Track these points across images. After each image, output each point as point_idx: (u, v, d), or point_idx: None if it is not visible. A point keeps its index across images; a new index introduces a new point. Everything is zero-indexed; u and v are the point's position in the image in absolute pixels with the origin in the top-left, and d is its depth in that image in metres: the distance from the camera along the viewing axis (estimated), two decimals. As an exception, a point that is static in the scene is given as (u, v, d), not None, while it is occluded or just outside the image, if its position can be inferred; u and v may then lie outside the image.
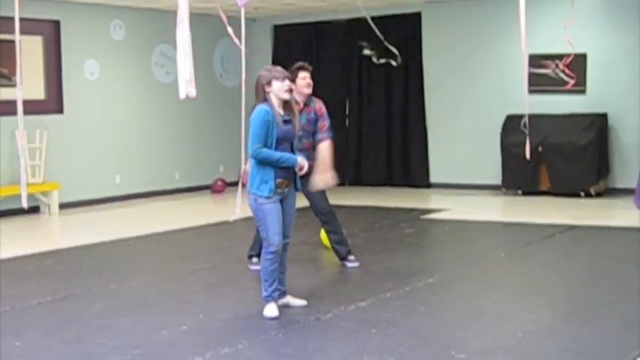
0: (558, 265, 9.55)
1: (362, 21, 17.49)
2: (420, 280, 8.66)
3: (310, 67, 9.27)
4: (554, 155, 14.99)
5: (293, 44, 18.43)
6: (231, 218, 12.89)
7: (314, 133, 9.04)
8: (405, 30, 17.22)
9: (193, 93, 7.88)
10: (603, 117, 15.12)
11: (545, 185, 15.25)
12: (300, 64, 9.25)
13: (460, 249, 10.78)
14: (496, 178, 15.82)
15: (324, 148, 8.86)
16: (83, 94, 15.36)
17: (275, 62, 18.50)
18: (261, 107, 7.24)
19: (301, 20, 18.09)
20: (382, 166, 17.60)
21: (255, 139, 7.14)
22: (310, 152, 8.73)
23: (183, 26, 7.72)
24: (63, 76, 15.08)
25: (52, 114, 14.90)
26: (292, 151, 7.40)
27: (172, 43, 8.08)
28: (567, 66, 15.09)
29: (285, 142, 7.30)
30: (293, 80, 8.57)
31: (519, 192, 15.44)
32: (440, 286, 8.52)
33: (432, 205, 14.38)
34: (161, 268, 9.88)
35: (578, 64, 15.00)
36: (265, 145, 7.15)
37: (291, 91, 7.44)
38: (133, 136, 16.31)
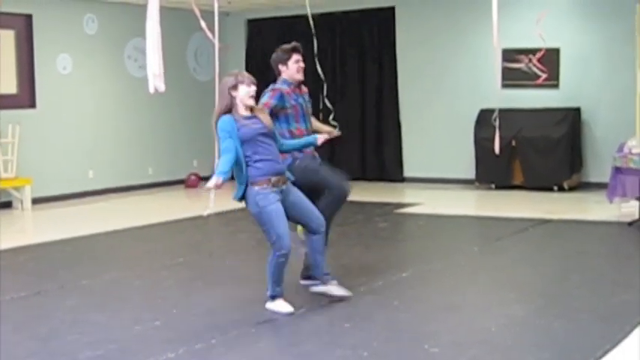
0: (531, 259, 9.58)
1: (336, 15, 17.54)
2: (394, 275, 8.67)
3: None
4: (528, 149, 15.04)
5: (267, 38, 18.38)
6: (205, 213, 12.88)
7: None
8: (379, 24, 17.24)
9: (162, 87, 7.87)
10: (576, 111, 15.19)
11: (518, 179, 15.30)
12: (293, 44, 8.31)
13: (434, 243, 10.80)
14: (470, 173, 15.87)
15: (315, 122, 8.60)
16: (56, 88, 15.29)
17: (249, 56, 18.53)
18: (223, 119, 7.13)
19: (275, 14, 18.06)
20: (356, 160, 17.59)
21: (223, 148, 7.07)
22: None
23: (152, 20, 7.70)
24: (35, 71, 14.99)
25: (25, 108, 14.81)
26: (276, 147, 7.31)
27: (145, 37, 8.05)
28: (539, 60, 15.15)
29: (259, 141, 7.13)
30: (284, 63, 8.11)
31: (493, 186, 15.49)
32: (413, 280, 8.53)
33: (406, 200, 14.40)
34: (134, 263, 9.85)
35: (551, 58, 15.06)
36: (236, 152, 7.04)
37: (255, 98, 7.33)
38: (106, 131, 16.24)
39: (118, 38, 16.39)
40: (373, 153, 17.46)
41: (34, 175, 14.60)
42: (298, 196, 7.35)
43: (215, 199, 12.90)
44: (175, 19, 15.88)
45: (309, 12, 10.72)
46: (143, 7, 8.29)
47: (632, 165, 11.31)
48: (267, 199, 7.07)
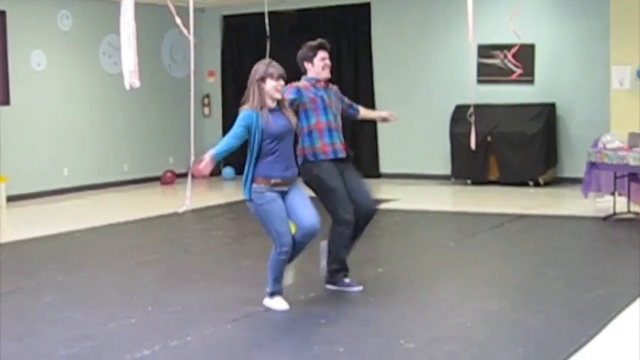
0: (507, 254, 9.62)
1: (312, 11, 17.54)
2: (370, 271, 8.68)
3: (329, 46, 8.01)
4: (503, 145, 15.09)
5: (242, 35, 18.38)
6: (181, 210, 12.82)
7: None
8: (355, 20, 17.26)
9: (137, 84, 7.83)
10: (552, 107, 15.25)
11: (494, 175, 15.35)
12: (319, 41, 7.95)
13: (410, 239, 10.82)
14: (445, 168, 15.91)
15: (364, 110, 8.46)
16: (30, 85, 15.21)
17: (224, 53, 18.50)
18: (245, 113, 6.96)
19: (250, 10, 18.02)
20: (332, 156, 17.58)
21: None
22: (340, 133, 7.92)
23: (127, 15, 7.67)
24: (9, 67, 14.91)
25: (-1, 105, 14.76)
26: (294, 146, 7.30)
27: (120, 33, 8.02)
28: (514, 56, 15.21)
29: (280, 138, 6.99)
30: (310, 60, 7.86)
31: (468, 182, 15.53)
32: (389, 276, 8.54)
33: (382, 195, 14.39)
34: (110, 260, 9.82)
35: (526, 54, 15.13)
36: (252, 148, 6.92)
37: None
38: (81, 128, 16.18)
39: (92, 35, 16.33)
40: (349, 149, 17.42)
41: (8, 172, 14.53)
42: (295, 196, 7.14)
43: (191, 196, 12.90)
44: (150, 15, 15.83)
45: (266, 11, 10.65)
46: (117, 4, 8.26)
47: (606, 160, 11.37)
48: (264, 197, 6.95)
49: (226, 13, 18.54)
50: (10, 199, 14.47)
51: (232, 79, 18.45)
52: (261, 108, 6.94)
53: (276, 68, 7.05)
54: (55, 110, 15.68)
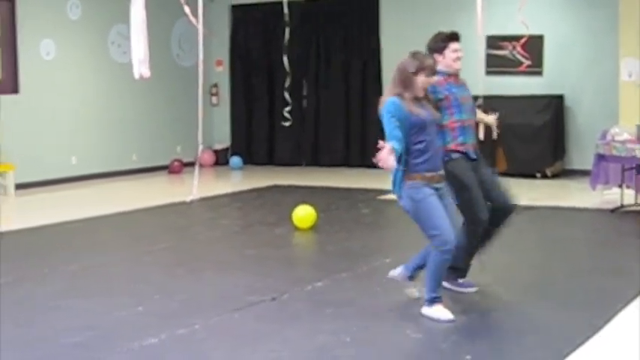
0: (513, 245, 9.59)
1: (321, 2, 17.54)
2: (376, 261, 8.69)
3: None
4: (511, 136, 15.04)
5: (251, 25, 18.38)
6: (188, 199, 12.88)
7: None
8: (364, 11, 17.24)
9: (147, 73, 7.84)
10: (560, 98, 15.22)
11: (501, 166, 15.23)
12: (452, 32, 7.45)
13: (416, 229, 10.78)
14: (453, 159, 15.87)
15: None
16: (39, 74, 15.22)
17: (233, 43, 18.49)
18: (391, 100, 6.48)
19: (259, 0, 18.02)
20: (340, 146, 17.62)
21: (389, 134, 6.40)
22: (474, 131, 7.48)
23: (137, 5, 7.69)
24: (19, 56, 14.92)
25: (8, 94, 14.74)
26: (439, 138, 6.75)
27: (129, 22, 8.05)
28: (523, 47, 15.18)
29: (426, 131, 6.50)
30: (441, 51, 7.28)
31: (476, 173, 15.49)
32: (396, 266, 8.51)
33: (389, 186, 14.33)
34: (117, 248, 9.84)
35: (535, 45, 15.10)
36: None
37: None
38: (89, 116, 16.19)
39: (101, 24, 16.33)
40: (356, 139, 17.46)
41: (17, 160, 14.54)
42: (443, 203, 6.65)
43: (199, 186, 12.93)
44: (159, 4, 15.82)
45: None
46: (126, -7, 8.27)
47: (614, 152, 11.35)
48: (422, 191, 6.51)
49: (235, 2, 18.53)
50: (19, 187, 14.49)
51: (240, 68, 18.46)
52: (410, 98, 6.49)
53: (430, 62, 6.60)
54: (64, 99, 15.68)
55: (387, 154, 6.10)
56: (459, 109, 7.18)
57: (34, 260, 9.16)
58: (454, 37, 7.37)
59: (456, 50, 7.28)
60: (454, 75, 7.31)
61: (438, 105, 7.02)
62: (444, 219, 6.49)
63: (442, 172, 6.67)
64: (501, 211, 7.33)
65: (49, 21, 15.39)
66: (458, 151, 7.14)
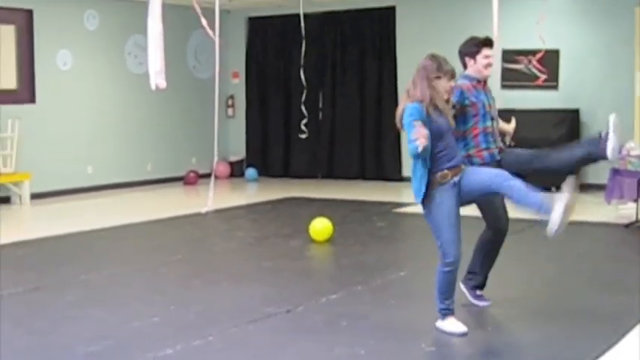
0: (527, 259, 9.60)
1: (338, 14, 17.59)
2: (392, 274, 8.69)
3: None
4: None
5: (267, 36, 18.44)
6: (204, 210, 12.91)
7: None
8: (380, 23, 17.29)
9: (163, 84, 7.85)
10: (575, 113, 15.21)
11: (517, 180, 15.29)
12: (486, 37, 7.38)
13: (431, 243, 10.74)
14: (468, 173, 15.87)
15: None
16: (56, 84, 15.30)
17: (249, 55, 18.56)
18: (411, 106, 6.34)
19: (276, 12, 18.09)
20: (355, 159, 17.65)
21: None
22: (498, 137, 7.35)
23: (154, 17, 7.71)
24: (35, 66, 15.01)
25: (24, 103, 14.83)
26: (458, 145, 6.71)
27: (146, 33, 8.07)
28: (539, 61, 15.18)
29: (443, 139, 6.37)
30: (472, 56, 7.28)
31: (491, 186, 15.48)
32: (411, 280, 8.55)
33: (404, 199, 14.37)
34: (133, 259, 9.86)
35: (550, 59, 15.09)
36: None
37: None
38: (105, 127, 16.26)
39: (118, 34, 16.41)
40: (372, 152, 17.49)
41: (33, 170, 14.62)
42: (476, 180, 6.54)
43: (214, 197, 12.96)
44: (176, 15, 15.88)
45: (301, 12, 10.49)
46: (144, 4, 8.31)
47: (630, 167, 11.35)
48: (442, 197, 6.44)
49: (252, 14, 18.59)
50: (35, 196, 14.56)
51: (257, 80, 18.52)
52: (430, 104, 6.36)
53: (449, 66, 6.47)
54: (80, 109, 15.76)
55: (424, 131, 6.06)
56: (483, 118, 7.16)
57: (50, 269, 9.20)
58: (488, 42, 7.32)
59: (487, 56, 7.24)
60: (483, 81, 7.31)
61: (463, 110, 7.02)
62: (451, 231, 6.53)
63: (457, 166, 6.48)
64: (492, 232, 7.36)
65: (66, 31, 15.48)
66: (481, 157, 7.12)
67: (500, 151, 7.31)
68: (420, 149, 6.06)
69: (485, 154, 7.16)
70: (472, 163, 7.03)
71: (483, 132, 7.15)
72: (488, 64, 7.25)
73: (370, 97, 17.49)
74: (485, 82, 7.35)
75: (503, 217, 7.30)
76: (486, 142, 7.19)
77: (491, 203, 7.24)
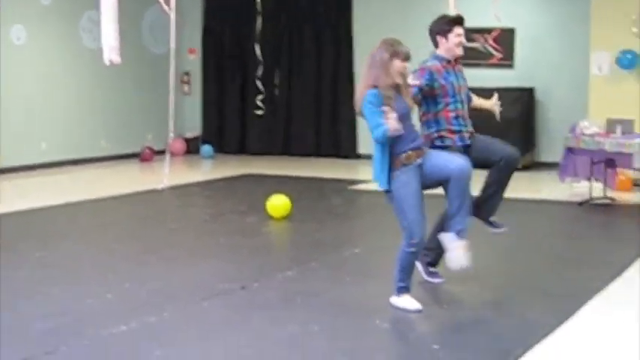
0: (483, 237, 9.63)
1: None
2: (347, 251, 8.72)
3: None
4: (481, 129, 15.08)
5: (224, 13, 18.32)
6: (160, 186, 12.87)
7: None
8: (337, 2, 17.25)
9: (118, 59, 7.81)
10: (530, 91, 15.30)
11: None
12: (457, 15, 7.45)
13: (386, 220, 10.76)
14: (424, 151, 15.91)
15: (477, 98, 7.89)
16: (9, 59, 15.11)
17: (206, 31, 18.44)
18: (370, 92, 6.40)
19: (232, -12, 18.02)
20: (311, 136, 17.63)
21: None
22: (468, 120, 7.40)
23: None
24: (-12, 41, 14.86)
25: (-23, 79, 14.69)
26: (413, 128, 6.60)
27: (100, 8, 8.01)
28: (495, 40, 15.24)
29: (402, 122, 6.30)
30: (444, 34, 7.26)
31: (447, 164, 15.54)
32: (366, 257, 8.58)
33: (360, 176, 14.39)
34: (87, 236, 9.82)
35: (506, 38, 15.17)
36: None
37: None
38: (59, 103, 16.11)
39: (73, 10, 16.24)
40: (328, 129, 17.49)
41: (-14, 146, 14.48)
42: (440, 158, 6.64)
43: (169, 174, 12.91)
44: (131, -9, 15.77)
45: None
46: (99, -21, 8.23)
47: (583, 146, 11.44)
48: (402, 179, 6.43)
49: (208, -10, 18.50)
50: (-13, 173, 14.42)
51: (213, 56, 18.41)
52: (386, 88, 6.38)
53: (403, 48, 6.48)
54: (34, 84, 15.59)
55: (395, 118, 6.13)
56: (454, 99, 7.19)
57: (4, 247, 9.09)
58: (459, 20, 7.31)
59: (459, 35, 7.22)
60: (453, 61, 7.29)
61: (433, 92, 7.04)
62: (415, 211, 6.45)
63: (420, 145, 6.54)
64: (504, 162, 7.41)
65: (20, 6, 15.28)
66: (452, 138, 7.16)
67: (471, 135, 7.32)
68: (389, 133, 6.14)
69: (456, 136, 7.18)
70: (444, 143, 7.09)
71: (455, 115, 7.17)
72: (460, 43, 7.23)
73: (326, 75, 17.47)
74: (456, 61, 7.33)
75: (507, 144, 7.45)
76: (458, 125, 7.21)
77: (489, 143, 7.46)
